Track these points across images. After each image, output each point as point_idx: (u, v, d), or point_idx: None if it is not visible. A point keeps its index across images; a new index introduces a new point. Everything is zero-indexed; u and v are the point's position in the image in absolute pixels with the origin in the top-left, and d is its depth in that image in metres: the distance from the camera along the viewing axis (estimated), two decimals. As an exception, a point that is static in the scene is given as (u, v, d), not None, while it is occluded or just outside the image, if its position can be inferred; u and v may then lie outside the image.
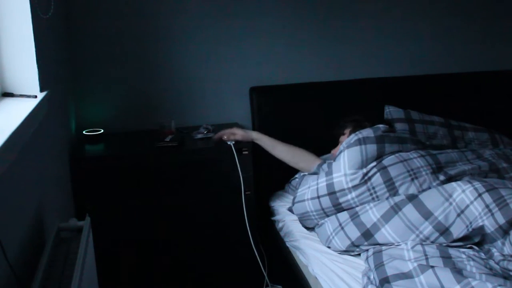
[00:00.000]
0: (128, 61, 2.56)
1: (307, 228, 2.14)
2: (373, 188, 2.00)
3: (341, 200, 2.01)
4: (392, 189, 1.99)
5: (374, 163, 2.05)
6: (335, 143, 2.37)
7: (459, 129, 2.66)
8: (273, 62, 2.71)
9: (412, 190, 1.98)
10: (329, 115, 2.68)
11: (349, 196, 2.00)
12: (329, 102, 2.70)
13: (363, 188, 2.00)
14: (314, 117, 2.67)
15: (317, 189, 2.06)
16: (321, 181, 2.07)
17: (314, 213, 2.07)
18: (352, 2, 2.75)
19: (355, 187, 2.00)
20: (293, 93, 2.69)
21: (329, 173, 2.07)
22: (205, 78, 2.65)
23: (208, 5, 2.59)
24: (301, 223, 2.15)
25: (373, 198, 1.99)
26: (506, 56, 2.99)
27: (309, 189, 2.10)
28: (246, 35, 2.66)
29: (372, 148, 2.08)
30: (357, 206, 2.00)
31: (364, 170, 2.02)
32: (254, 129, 2.64)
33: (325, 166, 2.16)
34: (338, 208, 2.03)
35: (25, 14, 1.53)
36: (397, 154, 2.08)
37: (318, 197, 2.05)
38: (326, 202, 2.03)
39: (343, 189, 2.01)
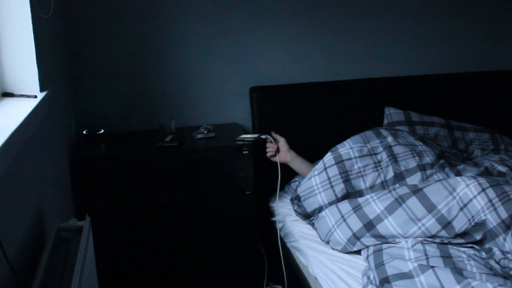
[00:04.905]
0: (128, 61, 2.56)
1: (306, 217, 2.14)
2: (379, 162, 2.14)
3: (348, 168, 2.12)
4: (395, 161, 2.12)
5: (377, 141, 2.20)
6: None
7: (460, 130, 2.67)
8: (273, 62, 2.71)
9: (413, 164, 2.10)
10: (329, 115, 2.69)
11: (355, 166, 2.13)
12: (329, 102, 2.70)
13: (369, 159, 2.14)
14: (314, 117, 2.67)
15: (324, 163, 2.17)
16: (327, 156, 2.19)
17: (319, 185, 2.12)
18: (352, 2, 2.75)
19: (361, 157, 2.15)
20: (293, 93, 2.69)
21: (334, 149, 2.21)
22: (205, 78, 2.65)
23: (208, 5, 2.59)
24: (300, 209, 2.16)
25: (377, 170, 2.12)
26: (506, 56, 2.99)
27: (316, 168, 2.19)
28: (246, 35, 2.66)
29: (369, 133, 2.28)
30: (362, 176, 2.10)
31: (369, 146, 2.18)
32: (254, 129, 2.65)
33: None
34: (344, 176, 2.10)
35: (25, 14, 1.53)
36: (400, 139, 2.25)
37: (325, 168, 2.15)
38: (334, 171, 2.13)
39: (350, 158, 2.14)
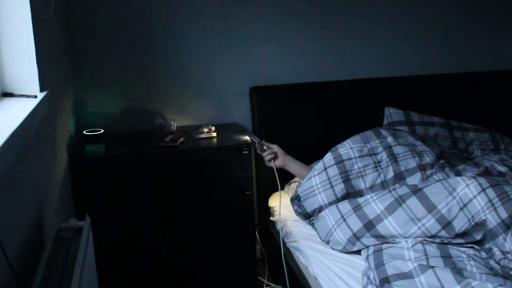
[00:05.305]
0: (128, 61, 2.56)
1: (306, 217, 2.14)
2: (378, 162, 2.13)
3: (348, 168, 2.12)
4: (395, 161, 2.12)
5: (377, 141, 2.20)
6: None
7: (459, 130, 2.67)
8: (273, 62, 2.71)
9: (413, 164, 2.09)
10: (329, 115, 2.69)
11: (355, 166, 2.13)
12: (329, 102, 2.70)
13: (369, 159, 2.14)
14: (314, 117, 2.67)
15: (324, 163, 2.16)
16: (327, 156, 2.18)
17: (319, 185, 2.11)
18: (352, 2, 2.75)
19: (361, 157, 2.14)
20: (293, 93, 2.69)
21: (334, 149, 2.20)
22: (205, 78, 2.65)
23: (208, 5, 2.59)
24: (300, 209, 2.15)
25: (377, 170, 2.11)
26: (506, 56, 2.99)
27: (316, 168, 2.18)
28: (246, 35, 2.66)
29: (369, 133, 2.27)
30: (362, 176, 2.09)
31: (369, 146, 2.17)
32: (254, 128, 2.65)
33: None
34: (344, 177, 2.10)
35: (25, 14, 1.53)
36: (400, 139, 2.25)
37: (325, 168, 2.14)
38: (333, 171, 2.12)
39: (350, 158, 2.14)
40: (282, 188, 2.52)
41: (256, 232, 2.43)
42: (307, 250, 2.02)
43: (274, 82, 2.69)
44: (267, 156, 2.22)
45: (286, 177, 2.44)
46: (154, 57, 2.58)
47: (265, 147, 2.23)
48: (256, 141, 2.24)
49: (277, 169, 2.22)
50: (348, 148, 2.19)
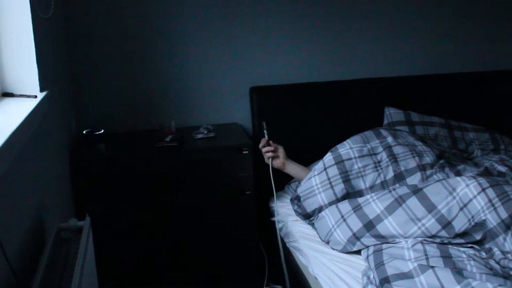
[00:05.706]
0: (128, 61, 2.56)
1: (306, 217, 2.14)
2: (378, 162, 2.13)
3: (348, 168, 2.12)
4: (394, 161, 2.12)
5: (377, 141, 2.20)
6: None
7: (460, 130, 2.67)
8: (273, 62, 2.71)
9: (412, 164, 2.09)
10: (329, 115, 2.69)
11: (355, 166, 2.13)
12: (329, 102, 2.70)
13: (369, 159, 2.14)
14: (314, 117, 2.67)
15: (324, 163, 2.16)
16: (327, 156, 2.18)
17: (319, 185, 2.11)
18: (352, 2, 2.75)
19: (361, 157, 2.14)
20: (293, 93, 2.69)
21: (334, 149, 2.20)
22: (205, 78, 2.65)
23: (208, 5, 2.59)
24: (300, 209, 2.15)
25: (377, 170, 2.11)
26: (506, 56, 2.99)
27: (315, 168, 2.18)
28: (246, 35, 2.66)
29: (369, 133, 2.27)
30: (362, 176, 2.10)
31: (369, 146, 2.18)
32: (254, 129, 2.65)
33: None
34: (344, 177, 2.10)
35: (25, 14, 1.53)
36: (400, 140, 2.25)
37: (325, 168, 2.15)
38: (333, 171, 2.13)
39: (350, 158, 2.14)
40: (282, 188, 2.52)
41: (256, 232, 2.42)
42: (307, 250, 2.02)
43: (274, 82, 2.69)
44: (267, 153, 2.20)
45: (286, 177, 2.44)
46: (154, 57, 2.58)
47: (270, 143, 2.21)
48: (266, 136, 2.22)
49: (275, 170, 2.21)
50: (348, 148, 2.19)
